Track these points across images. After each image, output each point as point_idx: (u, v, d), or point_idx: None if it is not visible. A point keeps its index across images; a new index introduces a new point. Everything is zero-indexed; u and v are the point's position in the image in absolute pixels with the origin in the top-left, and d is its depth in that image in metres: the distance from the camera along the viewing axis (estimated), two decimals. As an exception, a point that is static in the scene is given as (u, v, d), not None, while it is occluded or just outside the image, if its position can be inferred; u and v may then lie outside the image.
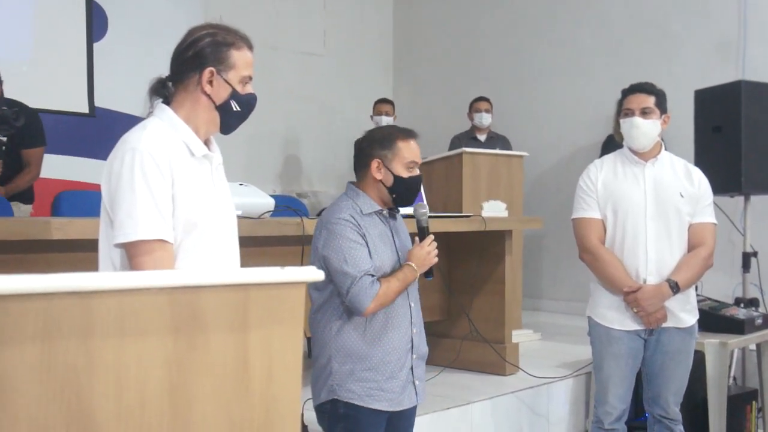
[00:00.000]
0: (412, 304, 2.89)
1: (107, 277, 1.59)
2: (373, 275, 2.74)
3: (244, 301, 1.74)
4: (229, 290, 1.72)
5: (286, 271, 1.79)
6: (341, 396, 2.79)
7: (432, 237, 2.88)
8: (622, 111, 3.49)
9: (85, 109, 6.02)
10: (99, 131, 5.81)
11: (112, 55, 6.12)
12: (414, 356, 2.86)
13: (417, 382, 2.87)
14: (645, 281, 3.40)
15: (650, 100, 3.45)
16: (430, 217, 3.52)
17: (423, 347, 2.94)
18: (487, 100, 6.77)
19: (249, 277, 1.77)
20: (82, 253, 2.69)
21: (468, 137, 6.70)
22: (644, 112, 3.43)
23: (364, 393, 2.77)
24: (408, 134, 2.90)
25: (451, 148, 6.49)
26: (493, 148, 6.25)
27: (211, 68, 2.20)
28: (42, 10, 5.80)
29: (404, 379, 2.83)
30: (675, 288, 3.37)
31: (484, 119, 6.69)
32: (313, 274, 1.83)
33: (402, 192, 2.86)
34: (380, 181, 2.85)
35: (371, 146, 2.88)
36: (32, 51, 5.76)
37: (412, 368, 2.85)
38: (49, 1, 5.87)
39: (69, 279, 1.47)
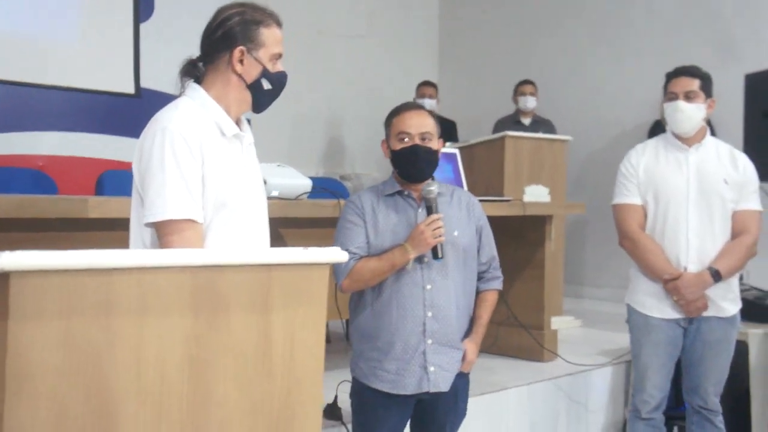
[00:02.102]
0: (428, 287, 2.77)
1: (128, 254, 1.58)
2: (355, 253, 2.74)
3: (266, 282, 1.73)
4: (251, 270, 1.71)
5: (309, 252, 1.77)
6: (355, 374, 2.87)
7: (435, 216, 2.72)
8: (666, 94, 3.42)
9: (131, 90, 6.08)
10: (145, 112, 5.81)
11: (159, 36, 6.17)
12: (429, 341, 2.76)
13: (431, 369, 2.76)
14: (686, 269, 3.34)
15: (695, 84, 3.36)
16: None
17: (446, 333, 2.80)
18: (531, 83, 6.69)
19: (272, 257, 1.76)
20: (121, 232, 2.71)
21: (512, 121, 6.64)
22: (688, 96, 3.35)
23: (369, 372, 2.80)
24: (401, 107, 2.87)
25: (494, 132, 6.42)
26: (537, 131, 6.17)
27: (242, 47, 2.19)
28: (89, -9, 5.86)
29: (411, 362, 2.75)
30: (716, 276, 3.30)
31: (529, 102, 6.62)
32: (337, 255, 1.82)
33: (399, 165, 2.81)
34: (390, 160, 2.86)
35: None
36: (79, 31, 5.82)
37: (425, 353, 2.76)
38: (97, -18, 5.93)
39: (90, 256, 1.47)
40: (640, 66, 6.93)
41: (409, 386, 2.77)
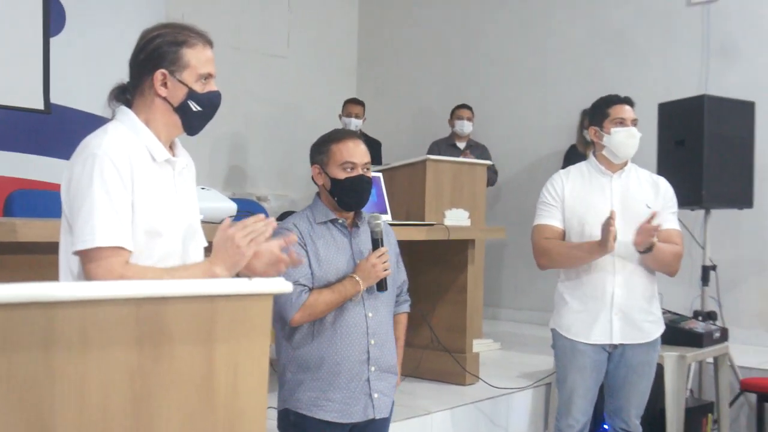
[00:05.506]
0: (370, 314, 2.81)
1: (70, 287, 1.54)
2: (304, 285, 2.71)
3: (210, 313, 1.71)
4: (195, 302, 1.69)
5: (254, 283, 1.76)
6: (291, 405, 2.80)
7: (383, 250, 2.81)
8: (613, 120, 3.44)
9: (41, 106, 5.84)
10: (55, 129, 5.66)
11: (70, 51, 5.96)
12: (372, 368, 2.80)
13: (375, 395, 2.80)
14: (613, 293, 3.40)
15: (634, 112, 3.47)
16: (392, 224, 3.47)
17: (387, 360, 2.86)
18: (469, 108, 6.75)
19: (216, 288, 1.73)
20: (37, 256, 2.60)
21: (447, 144, 6.70)
22: (634, 123, 3.45)
23: (311, 402, 2.76)
24: (342, 135, 2.87)
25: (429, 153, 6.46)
26: (472, 156, 6.25)
27: (163, 70, 2.15)
28: (-4, 3, 5.63)
29: (357, 390, 2.77)
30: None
31: (465, 127, 6.68)
32: (281, 285, 1.80)
33: (342, 194, 2.80)
34: (323, 186, 2.83)
35: (312, 153, 2.89)
36: (-15, 44, 5.59)
37: (369, 380, 2.79)
38: (5, -6, 5.70)
39: (30, 289, 1.43)
40: (556, 93, 7.10)
41: (355, 414, 2.77)
